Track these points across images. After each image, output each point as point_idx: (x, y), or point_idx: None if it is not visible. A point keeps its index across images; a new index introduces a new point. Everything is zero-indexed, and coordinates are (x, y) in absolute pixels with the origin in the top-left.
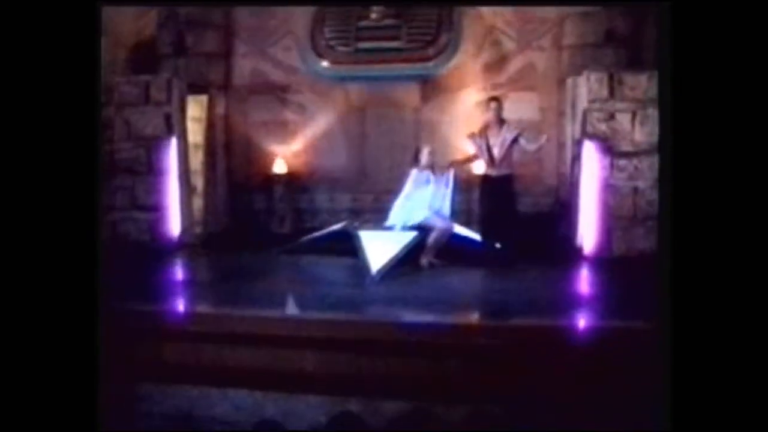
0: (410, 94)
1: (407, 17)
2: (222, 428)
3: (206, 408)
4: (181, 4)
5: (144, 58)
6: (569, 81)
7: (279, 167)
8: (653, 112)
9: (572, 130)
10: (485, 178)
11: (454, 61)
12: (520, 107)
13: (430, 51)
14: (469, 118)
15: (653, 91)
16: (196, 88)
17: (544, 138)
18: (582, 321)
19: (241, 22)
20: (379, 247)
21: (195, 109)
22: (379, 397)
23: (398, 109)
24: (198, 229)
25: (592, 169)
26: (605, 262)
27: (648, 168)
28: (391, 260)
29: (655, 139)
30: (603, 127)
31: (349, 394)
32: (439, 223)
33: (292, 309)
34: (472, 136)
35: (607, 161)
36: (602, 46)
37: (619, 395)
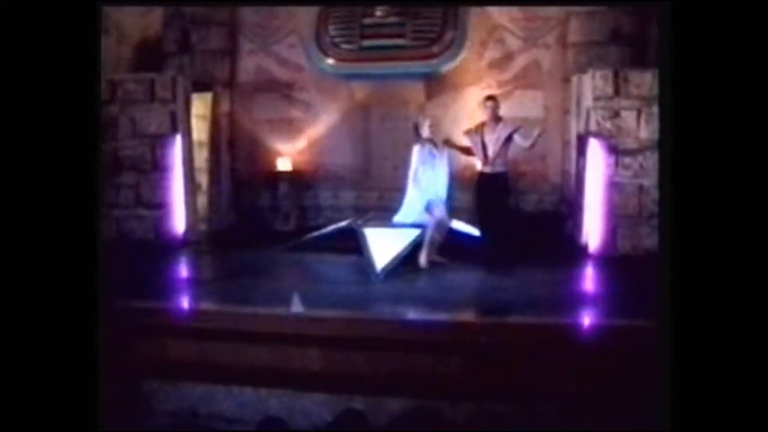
0: (415, 92)
1: (412, 15)
2: (226, 425)
3: (211, 405)
4: (181, 3)
5: (149, 55)
6: (574, 79)
7: (283, 165)
8: (658, 110)
9: (577, 127)
10: (480, 176)
11: (459, 59)
12: (524, 105)
13: (435, 48)
14: (473, 116)
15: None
16: (200, 86)
17: (536, 133)
18: (585, 319)
19: (246, 20)
20: (384, 245)
21: (200, 106)
22: (383, 395)
23: (403, 106)
24: (202, 227)
25: (597, 166)
26: (610, 260)
27: (653, 166)
28: (395, 258)
29: None
30: (608, 124)
31: (354, 391)
32: (435, 213)
33: (296, 306)
34: (468, 132)
35: (612, 159)
36: (607, 44)
37: (620, 394)
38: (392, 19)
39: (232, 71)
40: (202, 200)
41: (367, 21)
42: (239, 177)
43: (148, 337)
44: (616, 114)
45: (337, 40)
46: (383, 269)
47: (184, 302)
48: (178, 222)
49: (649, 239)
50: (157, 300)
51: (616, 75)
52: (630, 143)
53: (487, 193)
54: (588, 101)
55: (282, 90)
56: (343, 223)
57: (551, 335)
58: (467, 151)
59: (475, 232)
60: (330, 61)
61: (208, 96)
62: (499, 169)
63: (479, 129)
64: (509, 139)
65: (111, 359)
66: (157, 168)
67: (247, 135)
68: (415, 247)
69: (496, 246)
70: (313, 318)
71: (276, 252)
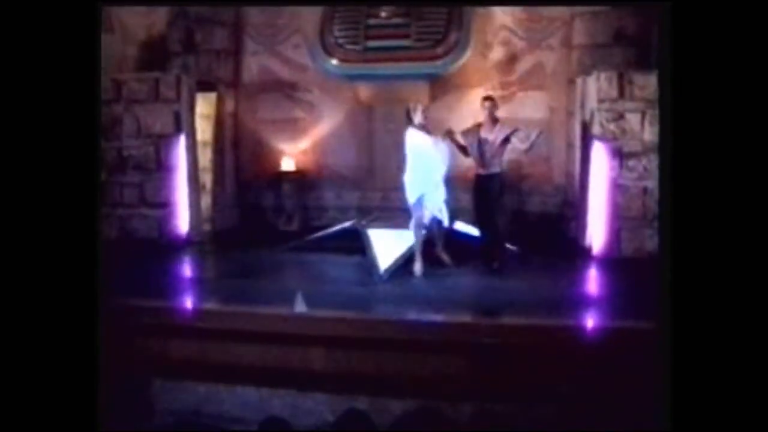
0: (419, 93)
1: (416, 16)
2: (229, 425)
3: (214, 405)
4: (182, 3)
5: (153, 55)
6: (578, 80)
7: (287, 165)
8: (658, 112)
9: (581, 129)
10: (476, 177)
11: (463, 60)
12: (528, 107)
13: (439, 49)
14: (477, 117)
15: None
16: (205, 86)
17: (534, 135)
18: (587, 321)
19: (251, 20)
20: (387, 246)
21: (204, 106)
22: (385, 395)
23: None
24: (206, 226)
25: (601, 169)
26: (613, 262)
27: (657, 168)
28: (399, 258)
29: None
30: (612, 126)
31: (356, 391)
32: (416, 212)
33: (299, 307)
34: (465, 132)
35: (616, 161)
36: (612, 46)
37: (621, 395)
38: (397, 20)
39: (236, 71)
40: (205, 200)
41: (372, 22)
42: (243, 177)
43: (151, 336)
44: (620, 116)
45: (341, 40)
46: (386, 270)
47: (188, 302)
48: (182, 221)
49: (653, 241)
50: (161, 299)
51: (620, 77)
52: (634, 145)
53: (482, 194)
54: (592, 103)
55: (286, 90)
56: (347, 224)
57: (554, 337)
58: (465, 150)
59: (476, 232)
60: (334, 61)
61: (212, 96)
62: (494, 170)
63: (476, 130)
64: (506, 140)
65: (113, 358)
66: (161, 167)
67: (251, 135)
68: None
69: (491, 247)
70: (316, 318)
71: (279, 252)
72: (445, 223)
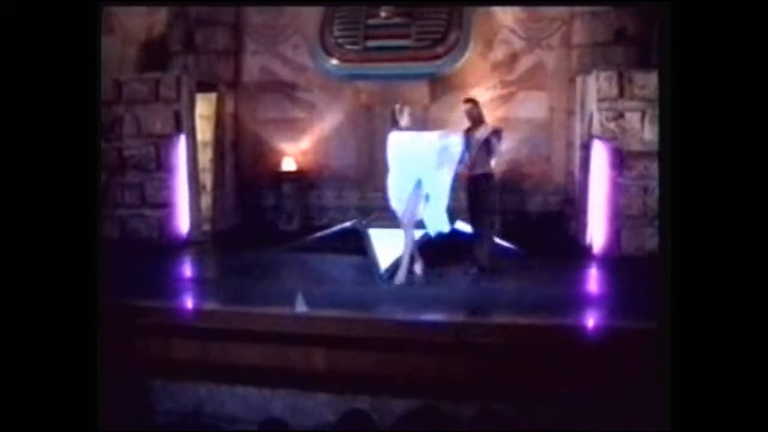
0: (419, 93)
1: (416, 15)
2: (230, 425)
3: (214, 405)
4: (182, 3)
5: (154, 55)
6: (579, 80)
7: (288, 165)
8: (658, 111)
9: (581, 129)
10: (466, 178)
11: (464, 60)
12: (529, 106)
13: (440, 49)
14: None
15: None
16: (205, 86)
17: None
18: (588, 321)
19: (251, 20)
20: (388, 245)
21: (204, 106)
22: (387, 395)
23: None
24: (206, 227)
25: (601, 168)
26: (614, 261)
27: (657, 167)
28: (400, 258)
29: None
30: (612, 126)
31: (358, 391)
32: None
33: (300, 307)
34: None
35: (616, 160)
36: (612, 45)
37: (621, 395)
38: (397, 20)
39: (236, 71)
40: (206, 200)
41: (372, 22)
42: (243, 177)
43: (151, 336)
44: (620, 115)
45: (341, 40)
46: (387, 270)
47: (188, 302)
48: (182, 222)
49: (653, 241)
50: (161, 300)
51: (620, 76)
52: (634, 145)
53: (469, 196)
54: (592, 102)
55: (286, 90)
56: (348, 224)
57: (554, 336)
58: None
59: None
60: (334, 61)
61: (212, 96)
62: (479, 171)
63: (467, 131)
64: (487, 142)
65: (114, 359)
66: (162, 168)
67: (252, 135)
68: (419, 248)
69: (480, 247)
70: (317, 318)
71: (280, 252)
72: (444, 229)
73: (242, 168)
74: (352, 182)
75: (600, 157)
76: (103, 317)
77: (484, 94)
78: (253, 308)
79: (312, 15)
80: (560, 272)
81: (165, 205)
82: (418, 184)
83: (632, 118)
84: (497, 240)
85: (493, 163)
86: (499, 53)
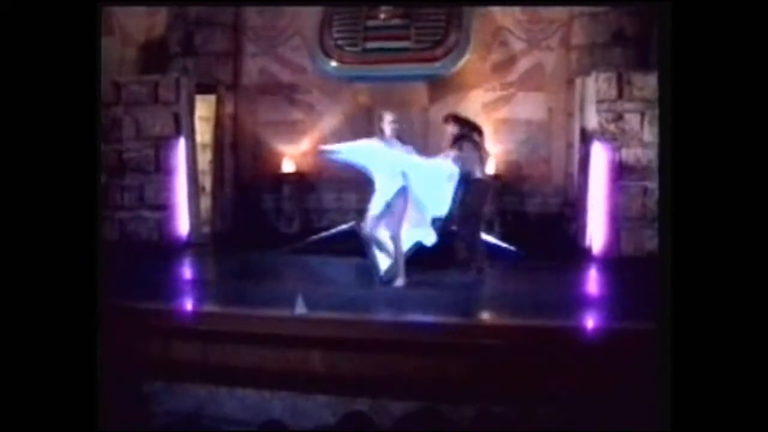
0: (418, 94)
1: (415, 17)
2: (229, 427)
3: (214, 407)
4: (182, 3)
5: (153, 57)
6: (578, 81)
7: (287, 167)
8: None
9: (581, 130)
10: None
11: (463, 61)
12: (528, 107)
13: (439, 51)
14: (477, 118)
15: None
16: (204, 88)
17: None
18: (587, 322)
19: (250, 22)
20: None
21: (203, 108)
22: (386, 397)
23: (406, 109)
24: (206, 229)
25: (600, 169)
26: (613, 263)
27: (657, 168)
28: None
29: None
30: (611, 127)
31: (357, 393)
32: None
33: (300, 308)
34: None
35: (615, 161)
36: (611, 46)
37: (621, 395)
38: (396, 22)
39: (235, 73)
40: (205, 202)
41: (371, 23)
42: (243, 179)
43: (151, 338)
44: (619, 116)
45: (340, 42)
46: (387, 272)
47: (188, 304)
48: (182, 224)
49: (653, 242)
50: (161, 301)
51: (619, 77)
52: (633, 145)
53: (459, 198)
54: (591, 104)
55: (285, 92)
56: (347, 226)
57: (554, 337)
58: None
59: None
60: (333, 63)
61: (211, 98)
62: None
63: (452, 147)
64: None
65: (114, 360)
66: (161, 170)
67: (251, 137)
68: (419, 249)
69: (465, 250)
70: (316, 320)
71: (279, 254)
72: (427, 242)
73: (242, 170)
74: (351, 184)
75: (599, 158)
76: (103, 319)
77: (483, 95)
78: (252, 310)
79: (311, 17)
80: (560, 273)
81: (164, 207)
82: (403, 189)
83: (632, 120)
84: (492, 240)
85: (485, 170)
86: (498, 55)
